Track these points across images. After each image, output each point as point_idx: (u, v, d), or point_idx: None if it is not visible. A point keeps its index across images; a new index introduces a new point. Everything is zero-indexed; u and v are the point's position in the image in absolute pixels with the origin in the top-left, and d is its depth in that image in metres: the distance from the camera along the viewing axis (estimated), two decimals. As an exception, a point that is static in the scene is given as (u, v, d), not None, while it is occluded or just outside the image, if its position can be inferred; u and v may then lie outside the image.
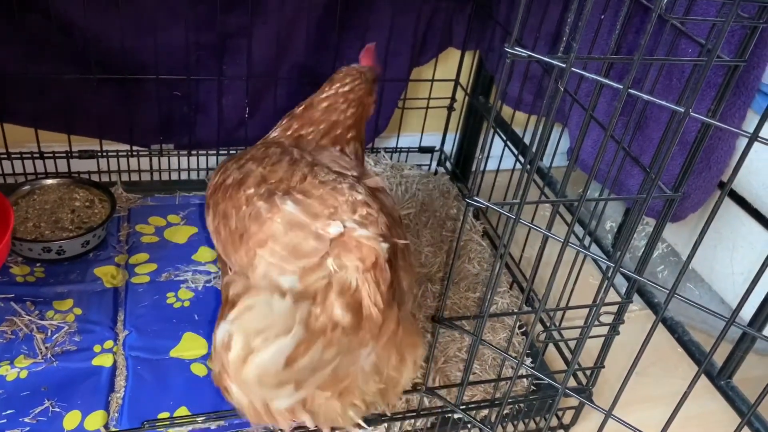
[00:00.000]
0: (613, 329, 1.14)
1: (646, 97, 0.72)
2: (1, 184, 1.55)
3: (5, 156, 1.53)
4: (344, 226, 0.82)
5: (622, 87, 0.73)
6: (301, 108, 1.15)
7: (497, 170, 1.61)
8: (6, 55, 1.40)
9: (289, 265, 0.81)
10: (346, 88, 1.13)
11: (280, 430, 1.07)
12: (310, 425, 0.95)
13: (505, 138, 1.60)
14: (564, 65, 0.74)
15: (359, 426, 0.94)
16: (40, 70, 1.42)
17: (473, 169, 1.88)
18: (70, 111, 1.51)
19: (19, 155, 1.54)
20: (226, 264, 0.97)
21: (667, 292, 0.82)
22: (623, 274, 0.84)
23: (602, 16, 1.21)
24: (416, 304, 1.39)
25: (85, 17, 1.38)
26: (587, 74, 0.75)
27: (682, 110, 0.70)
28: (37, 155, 1.54)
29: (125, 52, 1.45)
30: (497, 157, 1.61)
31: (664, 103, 0.70)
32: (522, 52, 0.74)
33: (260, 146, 1.07)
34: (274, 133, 1.14)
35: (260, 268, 0.83)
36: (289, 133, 1.12)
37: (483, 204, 0.86)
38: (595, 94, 0.98)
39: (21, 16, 1.35)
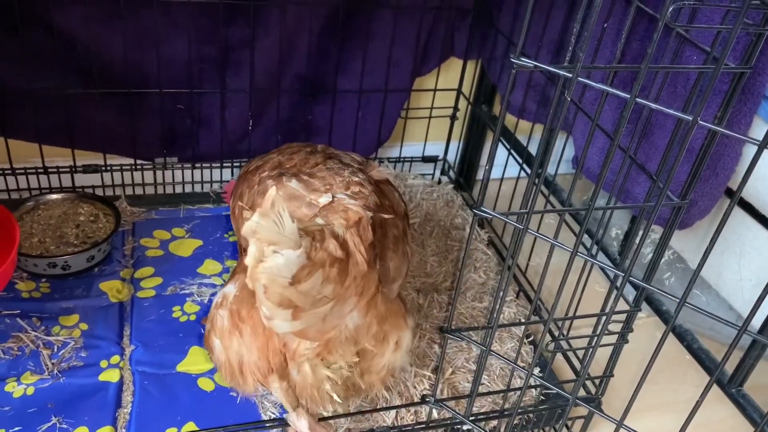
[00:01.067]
0: (622, 338, 1.13)
1: (653, 106, 0.72)
2: (6, 199, 1.55)
3: (9, 171, 1.53)
4: (334, 197, 0.93)
5: (629, 96, 0.73)
6: None
7: (501, 178, 1.61)
8: (9, 70, 1.40)
9: None
10: None
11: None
12: (282, 398, 1.01)
13: (508, 147, 1.60)
14: (570, 75, 0.74)
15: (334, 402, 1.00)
16: (44, 84, 1.43)
17: (479, 178, 1.88)
18: (73, 125, 1.51)
19: (23, 170, 1.54)
20: (241, 252, 1.09)
21: (677, 300, 0.81)
22: (632, 283, 0.84)
23: (605, 24, 1.22)
24: (422, 314, 1.38)
25: (88, 31, 1.39)
26: (594, 84, 0.75)
27: (691, 119, 0.70)
28: (41, 170, 1.54)
29: (128, 66, 1.45)
30: (501, 165, 1.61)
31: (671, 111, 0.70)
32: (528, 62, 0.74)
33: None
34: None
35: None
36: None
37: (490, 214, 0.85)
38: (600, 104, 0.97)
39: (24, 31, 1.36)
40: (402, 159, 1.85)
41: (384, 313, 0.96)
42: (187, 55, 1.48)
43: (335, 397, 0.99)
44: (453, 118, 1.81)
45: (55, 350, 1.21)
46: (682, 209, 0.95)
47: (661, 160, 0.96)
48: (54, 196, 1.50)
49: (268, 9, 1.46)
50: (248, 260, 0.76)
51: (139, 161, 1.61)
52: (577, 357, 1.28)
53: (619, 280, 0.83)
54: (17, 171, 1.53)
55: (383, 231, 0.98)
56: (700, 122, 0.69)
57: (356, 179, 0.99)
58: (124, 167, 1.60)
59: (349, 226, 0.90)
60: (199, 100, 1.56)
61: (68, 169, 1.56)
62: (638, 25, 1.19)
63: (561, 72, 0.74)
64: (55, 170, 1.56)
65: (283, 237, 0.75)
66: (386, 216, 0.99)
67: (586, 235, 1.36)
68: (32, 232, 1.41)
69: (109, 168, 1.59)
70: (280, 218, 0.74)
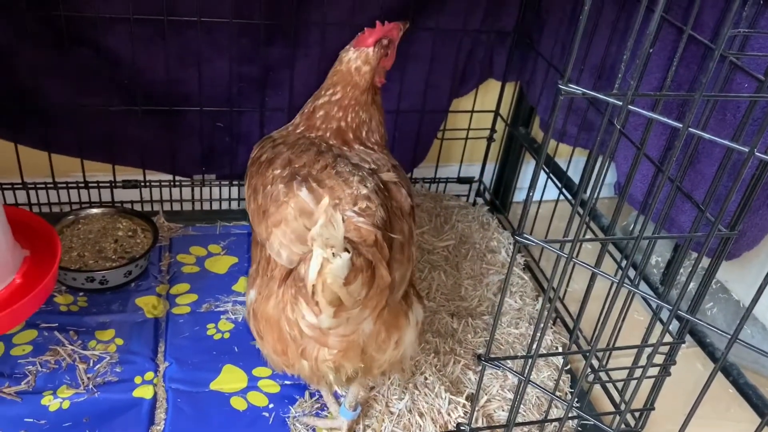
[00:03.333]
0: (664, 370, 1.10)
1: (706, 136, 0.70)
2: (47, 213, 1.58)
3: (51, 185, 1.55)
4: (344, 217, 0.92)
5: (680, 126, 0.71)
6: (307, 110, 1.23)
7: (540, 201, 1.59)
8: (56, 86, 1.43)
9: (295, 248, 0.95)
10: (338, 96, 1.19)
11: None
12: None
13: (548, 170, 1.58)
14: (621, 103, 0.72)
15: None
16: (88, 102, 1.45)
17: (515, 201, 1.86)
18: (115, 141, 1.54)
19: (64, 185, 1.56)
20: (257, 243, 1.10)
21: (726, 336, 0.78)
22: (676, 315, 0.81)
23: (651, 50, 1.19)
24: (456, 339, 1.36)
25: (133, 50, 1.41)
26: (644, 112, 0.73)
27: (747, 150, 0.67)
28: (82, 185, 1.57)
29: (170, 84, 1.47)
30: (539, 188, 1.59)
31: (727, 143, 0.68)
32: (576, 89, 0.73)
33: (293, 133, 1.20)
34: (291, 127, 1.23)
35: (275, 246, 0.97)
36: (298, 131, 1.20)
37: (533, 242, 0.84)
38: (647, 131, 0.95)
39: (71, 49, 1.38)
40: (437, 180, 1.84)
41: (388, 318, 0.98)
42: (227, 74, 1.49)
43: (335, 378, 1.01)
44: (490, 139, 1.79)
45: (91, 365, 1.22)
46: (730, 240, 0.92)
47: (709, 189, 0.94)
48: (94, 211, 1.53)
49: (308, 29, 1.47)
50: (313, 264, 0.80)
51: (177, 177, 1.63)
52: (616, 388, 1.25)
53: (663, 311, 0.81)
54: (59, 185, 1.56)
55: (389, 243, 1.00)
56: (757, 155, 0.66)
57: (364, 192, 1.00)
58: (162, 183, 1.62)
59: (369, 246, 0.91)
60: (239, 118, 1.57)
61: (108, 184, 1.59)
62: (685, 51, 1.17)
63: (611, 100, 0.72)
64: (95, 185, 1.58)
65: (338, 240, 0.78)
66: (393, 236, 1.00)
67: (625, 261, 1.33)
68: (72, 246, 1.43)
69: (147, 183, 1.61)
70: (335, 221, 0.77)
